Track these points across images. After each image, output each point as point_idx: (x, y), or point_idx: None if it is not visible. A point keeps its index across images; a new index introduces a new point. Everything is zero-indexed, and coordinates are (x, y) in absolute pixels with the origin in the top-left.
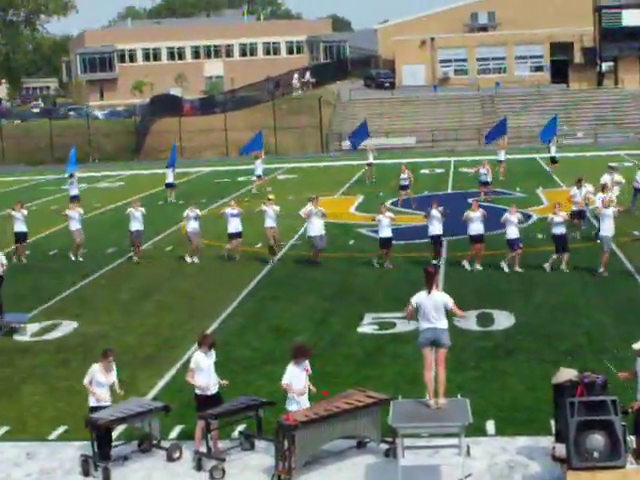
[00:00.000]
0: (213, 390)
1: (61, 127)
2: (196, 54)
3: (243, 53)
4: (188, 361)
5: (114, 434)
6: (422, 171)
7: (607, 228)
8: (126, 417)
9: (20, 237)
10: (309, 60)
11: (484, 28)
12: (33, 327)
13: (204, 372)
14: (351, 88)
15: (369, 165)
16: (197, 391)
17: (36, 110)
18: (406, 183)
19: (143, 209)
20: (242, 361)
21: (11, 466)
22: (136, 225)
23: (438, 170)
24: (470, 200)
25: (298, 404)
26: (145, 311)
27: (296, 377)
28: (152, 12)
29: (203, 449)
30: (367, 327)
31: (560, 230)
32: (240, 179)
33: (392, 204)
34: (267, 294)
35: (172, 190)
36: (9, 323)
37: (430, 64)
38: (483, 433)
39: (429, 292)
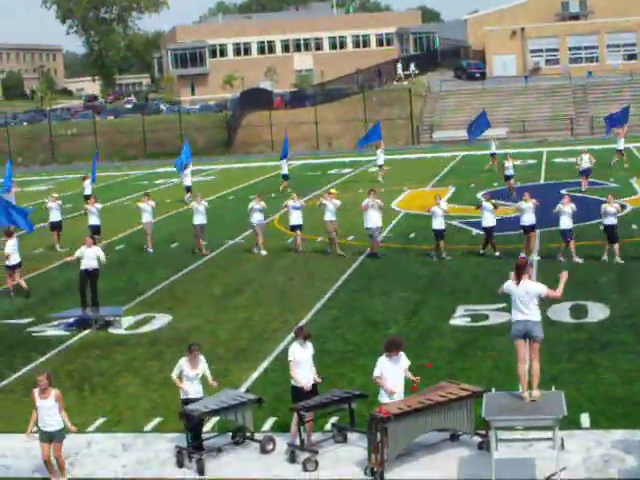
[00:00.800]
0: (309, 382)
1: (153, 122)
2: (286, 48)
3: (333, 46)
4: (281, 353)
5: (207, 426)
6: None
7: None
8: (220, 409)
9: (94, 230)
10: (399, 52)
11: (575, 17)
12: (128, 320)
13: (300, 364)
14: (441, 79)
15: (492, 155)
16: (293, 382)
17: (129, 106)
18: (511, 172)
19: (206, 203)
20: (335, 353)
21: (108, 457)
22: (199, 219)
23: (530, 161)
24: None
25: (390, 397)
26: (237, 304)
27: (388, 370)
28: (242, 7)
29: (297, 441)
30: (459, 319)
31: (611, 221)
32: (331, 172)
33: (484, 195)
34: (359, 286)
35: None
36: (104, 316)
37: (521, 54)
38: (578, 426)
39: (518, 283)
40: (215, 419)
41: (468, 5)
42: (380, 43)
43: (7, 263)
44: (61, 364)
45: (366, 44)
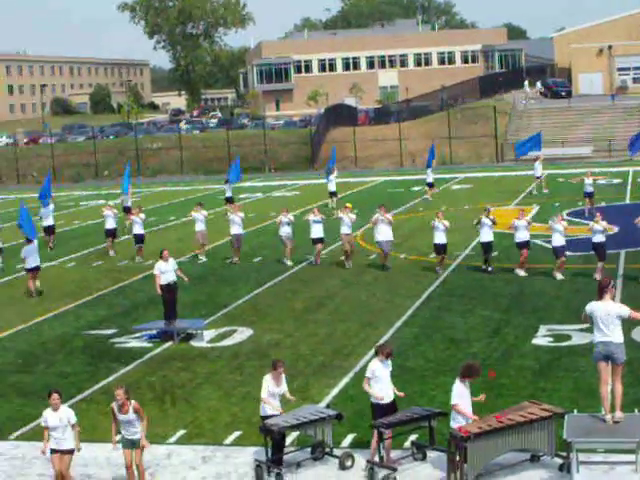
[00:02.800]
0: (388, 399)
1: (238, 137)
2: (371, 64)
3: (418, 63)
4: (361, 370)
5: (287, 440)
6: (599, 181)
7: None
8: (300, 424)
9: (138, 239)
10: (484, 69)
11: None
12: (209, 333)
13: (381, 381)
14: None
15: None
16: (373, 400)
17: (214, 121)
18: (591, 190)
19: (242, 214)
20: (416, 371)
21: (187, 469)
22: (235, 229)
23: (615, 180)
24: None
25: (461, 423)
26: (319, 319)
27: (464, 396)
28: (327, 23)
29: (376, 458)
30: (542, 339)
31: (599, 238)
32: (414, 189)
33: (569, 214)
34: (441, 304)
35: (432, 190)
36: (187, 329)
37: (607, 72)
38: None
39: (601, 303)
40: (295, 434)
41: (555, 23)
42: (465, 60)
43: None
44: (143, 375)
45: (451, 61)
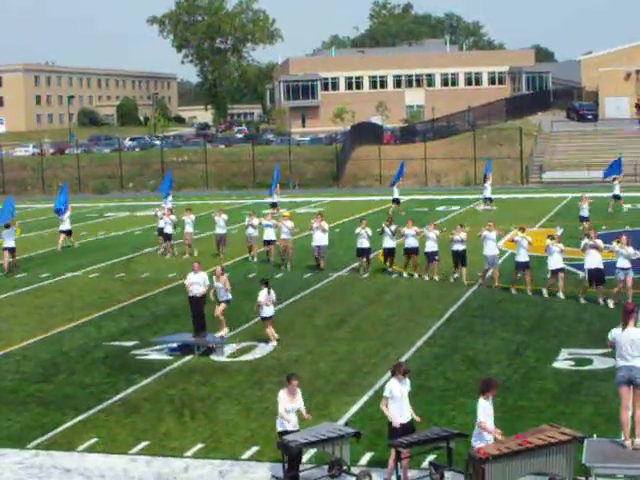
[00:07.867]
0: (405, 419)
1: (263, 153)
2: (398, 83)
3: (444, 83)
4: (381, 388)
5: (305, 457)
6: (625, 206)
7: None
8: (318, 441)
9: (167, 237)
10: (511, 91)
11: None
12: (230, 348)
13: (399, 400)
14: (553, 120)
15: None
16: (390, 419)
17: (240, 136)
18: (586, 214)
19: (225, 216)
20: (436, 391)
21: None
22: (219, 230)
23: None
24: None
25: (485, 441)
26: (339, 337)
27: (489, 414)
28: (355, 41)
29: (394, 478)
30: (563, 362)
31: (457, 247)
32: (438, 209)
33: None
34: (462, 324)
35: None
36: (207, 343)
37: (635, 97)
38: None
39: (624, 328)
40: (312, 451)
41: (582, 46)
42: (492, 81)
43: None
44: (163, 388)
45: (478, 82)
